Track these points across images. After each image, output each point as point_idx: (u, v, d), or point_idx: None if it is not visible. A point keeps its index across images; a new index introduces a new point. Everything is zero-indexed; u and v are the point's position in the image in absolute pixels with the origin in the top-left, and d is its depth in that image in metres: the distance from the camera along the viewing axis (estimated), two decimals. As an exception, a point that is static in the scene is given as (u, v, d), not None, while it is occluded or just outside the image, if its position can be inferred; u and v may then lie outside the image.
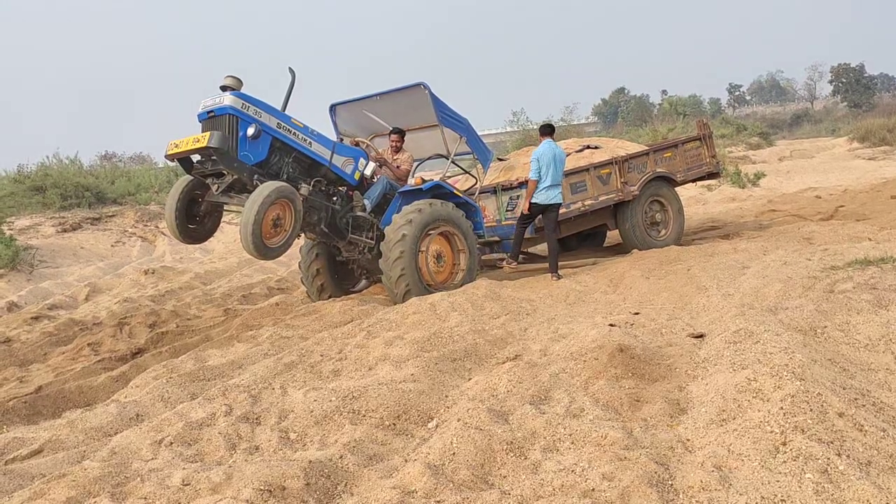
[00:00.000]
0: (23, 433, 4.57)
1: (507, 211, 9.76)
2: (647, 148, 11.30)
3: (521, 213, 8.93)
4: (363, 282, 9.39)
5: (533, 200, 8.71)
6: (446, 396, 4.39)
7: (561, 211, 9.56)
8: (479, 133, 9.43)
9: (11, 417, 5.34)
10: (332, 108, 9.67)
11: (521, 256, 9.69)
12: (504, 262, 9.31)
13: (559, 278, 8.52)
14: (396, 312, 6.78)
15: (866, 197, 14.77)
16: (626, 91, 74.81)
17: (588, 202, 10.05)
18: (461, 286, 7.88)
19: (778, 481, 2.70)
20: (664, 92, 71.89)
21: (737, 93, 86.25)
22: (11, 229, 15.68)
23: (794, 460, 2.79)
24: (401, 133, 9.01)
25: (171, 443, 3.97)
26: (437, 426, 3.95)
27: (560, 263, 9.01)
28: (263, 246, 6.78)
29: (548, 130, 9.08)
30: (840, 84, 64.49)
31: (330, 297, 8.72)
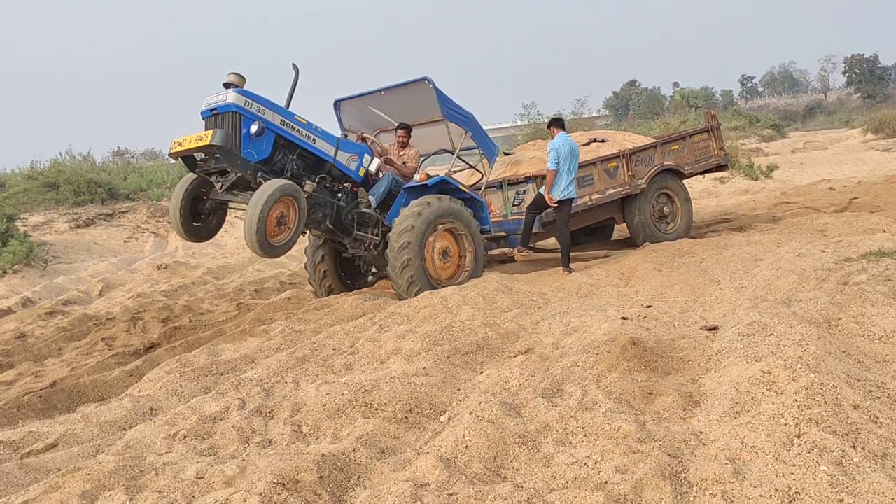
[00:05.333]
0: (38, 427, 4.61)
1: (513, 206, 9.72)
2: (654, 140, 11.22)
3: (532, 203, 8.89)
4: (369, 278, 9.38)
5: (547, 192, 8.66)
6: (458, 390, 4.40)
7: None
8: (490, 127, 9.40)
9: (27, 412, 5.38)
10: (337, 103, 9.66)
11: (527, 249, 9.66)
12: (515, 251, 9.27)
13: (571, 272, 8.50)
14: (408, 306, 6.78)
15: (881, 188, 14.64)
16: (637, 83, 74.46)
17: (595, 196, 9.99)
18: (467, 282, 7.86)
19: (792, 474, 2.69)
20: (676, 84, 71.42)
21: (749, 84, 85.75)
22: (25, 226, 15.80)
23: (809, 453, 2.77)
24: (407, 128, 8.96)
25: (185, 436, 4.00)
26: (449, 419, 3.95)
27: (571, 257, 8.98)
28: (268, 244, 6.76)
29: (560, 124, 9.03)
30: (853, 75, 63.97)
31: (336, 293, 8.71)
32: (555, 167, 8.54)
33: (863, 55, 63.16)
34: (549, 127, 9.27)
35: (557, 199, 8.60)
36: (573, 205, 9.10)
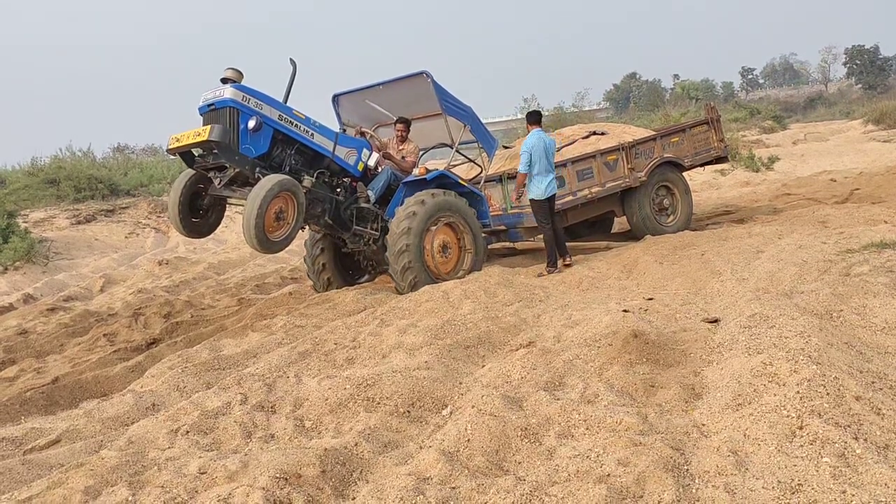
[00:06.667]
0: (41, 423, 4.62)
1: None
2: (654, 133, 11.19)
3: (539, 218, 8.67)
4: (369, 273, 9.37)
5: (531, 196, 8.59)
6: (460, 383, 4.40)
7: (567, 199, 9.49)
8: (490, 120, 9.37)
9: (29, 408, 5.39)
10: (335, 98, 9.63)
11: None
12: (561, 266, 8.61)
13: (571, 265, 8.47)
14: (409, 300, 6.78)
15: (882, 179, 14.59)
16: (637, 76, 74.42)
17: (595, 189, 9.95)
18: (468, 276, 7.86)
19: (795, 465, 2.69)
20: (676, 76, 71.45)
21: (750, 76, 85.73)
22: (26, 222, 15.81)
23: (811, 444, 2.77)
24: (406, 122, 8.93)
25: (188, 432, 4.00)
26: (451, 413, 3.95)
27: (571, 248, 8.93)
28: (266, 239, 6.75)
29: (536, 119, 8.92)
30: (854, 66, 63.91)
31: (335, 288, 8.70)
32: (526, 171, 8.46)
33: (863, 46, 63.10)
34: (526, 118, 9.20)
35: (543, 197, 8.52)
36: (571, 199, 9.04)
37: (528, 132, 8.80)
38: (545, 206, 8.58)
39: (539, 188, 8.51)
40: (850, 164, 20.10)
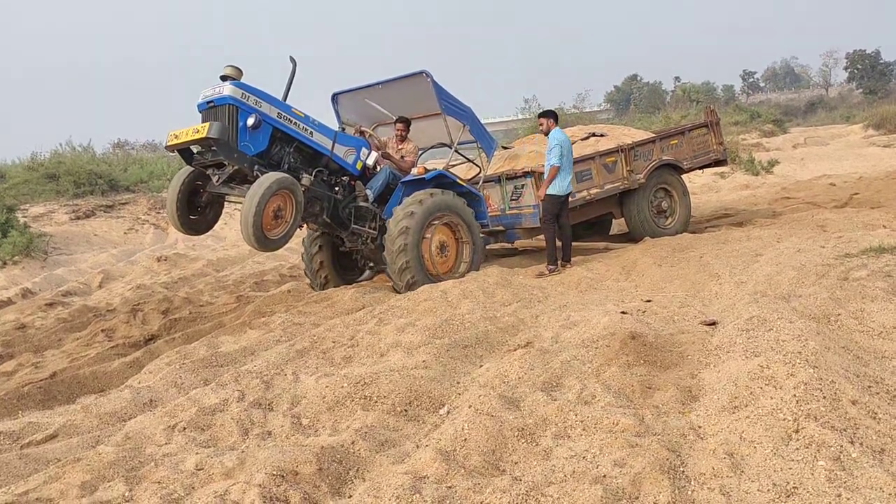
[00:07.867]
0: (38, 418, 4.62)
1: (511, 200, 9.68)
2: (653, 135, 11.19)
3: (544, 215, 8.69)
4: (367, 272, 9.36)
5: (552, 191, 8.55)
6: (458, 383, 4.40)
7: None
8: (490, 120, 9.36)
9: (27, 403, 5.39)
10: (334, 97, 9.63)
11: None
12: (560, 267, 8.57)
13: (570, 266, 8.47)
14: (408, 300, 6.78)
15: (881, 184, 14.60)
16: (638, 78, 74.37)
17: (594, 191, 9.94)
18: (467, 276, 7.87)
19: (790, 468, 2.70)
20: (677, 79, 71.46)
21: (751, 80, 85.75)
22: (25, 217, 15.80)
23: (807, 448, 2.78)
24: (406, 122, 8.93)
25: (185, 428, 4.00)
26: (448, 412, 3.96)
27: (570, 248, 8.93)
28: (264, 237, 6.75)
29: (556, 116, 8.95)
30: (855, 70, 63.82)
31: (332, 287, 8.69)
32: (559, 163, 8.45)
33: (865, 51, 63.05)
34: (541, 116, 9.04)
35: (564, 194, 8.55)
36: (570, 200, 9.06)
37: (550, 129, 8.72)
38: (559, 204, 8.59)
39: (562, 184, 8.52)
40: (849, 168, 20.12)
